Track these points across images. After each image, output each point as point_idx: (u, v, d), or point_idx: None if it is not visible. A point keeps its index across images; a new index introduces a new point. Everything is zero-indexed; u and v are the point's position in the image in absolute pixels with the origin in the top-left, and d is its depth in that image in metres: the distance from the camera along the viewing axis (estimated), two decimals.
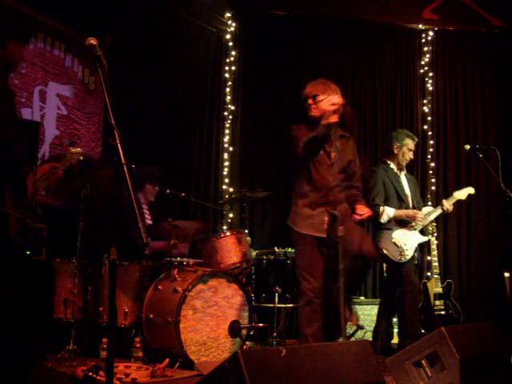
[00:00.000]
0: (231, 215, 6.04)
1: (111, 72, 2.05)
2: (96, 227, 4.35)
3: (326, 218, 3.35)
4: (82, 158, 2.90)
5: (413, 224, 4.52)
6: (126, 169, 1.91)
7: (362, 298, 5.76)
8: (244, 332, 4.09)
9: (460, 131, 6.52)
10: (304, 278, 3.41)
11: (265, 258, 5.13)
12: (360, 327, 5.03)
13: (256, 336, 4.71)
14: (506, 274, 5.64)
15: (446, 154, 6.47)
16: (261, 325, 4.15)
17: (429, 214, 4.69)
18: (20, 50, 2.54)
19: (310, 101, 3.51)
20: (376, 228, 4.56)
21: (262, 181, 6.10)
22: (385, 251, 4.39)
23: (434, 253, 5.52)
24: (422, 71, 6.66)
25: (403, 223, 4.53)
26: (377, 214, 4.42)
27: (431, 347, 2.63)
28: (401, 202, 4.57)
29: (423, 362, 2.65)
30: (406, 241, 4.46)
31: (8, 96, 2.45)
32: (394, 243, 4.41)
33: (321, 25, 6.47)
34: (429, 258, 5.94)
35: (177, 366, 3.75)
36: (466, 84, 6.63)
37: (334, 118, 3.31)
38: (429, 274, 5.82)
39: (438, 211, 4.72)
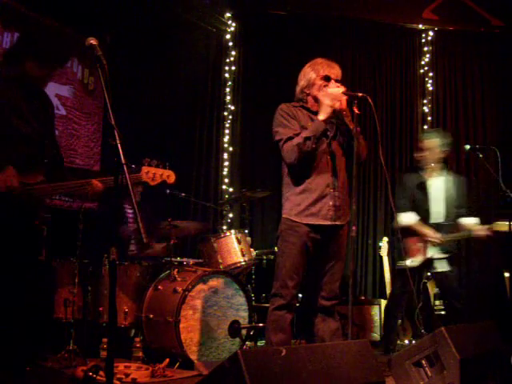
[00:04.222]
0: (231, 215, 6.04)
1: (111, 72, 2.05)
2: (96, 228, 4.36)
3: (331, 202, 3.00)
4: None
5: None
6: (125, 169, 1.91)
7: (363, 297, 5.76)
8: (244, 332, 4.09)
9: (460, 131, 6.51)
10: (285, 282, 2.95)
11: (265, 258, 5.12)
12: (360, 327, 5.03)
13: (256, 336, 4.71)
14: (506, 274, 5.63)
15: None
16: (261, 325, 4.14)
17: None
18: (41, 71, 2.61)
19: (321, 81, 3.08)
20: None
21: (262, 181, 6.10)
22: None
23: None
24: (422, 71, 6.66)
25: None
26: None
27: (431, 347, 2.63)
28: None
29: (423, 361, 2.65)
30: None
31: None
32: None
33: (321, 25, 6.47)
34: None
35: (177, 366, 3.75)
36: (466, 84, 6.62)
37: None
38: (429, 273, 5.81)
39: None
